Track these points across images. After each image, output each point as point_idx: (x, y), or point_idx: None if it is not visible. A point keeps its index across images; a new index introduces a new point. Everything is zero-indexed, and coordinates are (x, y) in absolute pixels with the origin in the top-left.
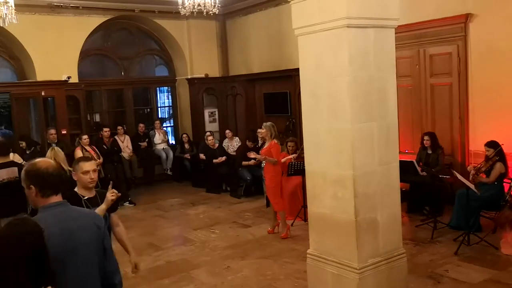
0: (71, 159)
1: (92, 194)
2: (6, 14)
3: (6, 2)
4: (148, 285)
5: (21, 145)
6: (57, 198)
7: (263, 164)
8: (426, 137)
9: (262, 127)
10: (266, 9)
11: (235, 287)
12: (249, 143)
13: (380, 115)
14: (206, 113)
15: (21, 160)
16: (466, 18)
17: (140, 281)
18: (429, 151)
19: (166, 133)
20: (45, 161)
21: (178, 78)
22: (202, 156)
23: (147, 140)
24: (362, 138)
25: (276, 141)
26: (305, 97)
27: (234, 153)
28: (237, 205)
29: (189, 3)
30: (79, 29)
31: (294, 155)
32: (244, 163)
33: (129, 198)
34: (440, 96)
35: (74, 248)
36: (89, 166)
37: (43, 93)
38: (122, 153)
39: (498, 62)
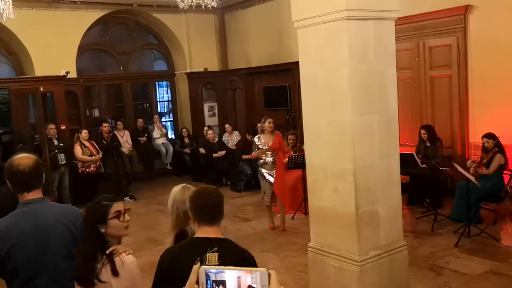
0: (70, 155)
1: None
2: (3, 9)
3: None
4: (150, 280)
5: None
6: (33, 195)
7: (271, 159)
8: (422, 131)
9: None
10: (265, 2)
11: None
12: (249, 137)
13: (380, 108)
14: (206, 107)
15: None
16: (466, 9)
17: (142, 276)
18: (428, 144)
19: (164, 127)
20: (21, 158)
21: (177, 73)
22: (202, 150)
23: (146, 135)
24: (363, 130)
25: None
26: (305, 90)
27: (234, 147)
28: (238, 199)
29: None
30: (77, 24)
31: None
32: (244, 157)
33: (129, 193)
34: (439, 88)
35: (45, 247)
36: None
37: (41, 89)
38: (121, 148)
39: (498, 54)
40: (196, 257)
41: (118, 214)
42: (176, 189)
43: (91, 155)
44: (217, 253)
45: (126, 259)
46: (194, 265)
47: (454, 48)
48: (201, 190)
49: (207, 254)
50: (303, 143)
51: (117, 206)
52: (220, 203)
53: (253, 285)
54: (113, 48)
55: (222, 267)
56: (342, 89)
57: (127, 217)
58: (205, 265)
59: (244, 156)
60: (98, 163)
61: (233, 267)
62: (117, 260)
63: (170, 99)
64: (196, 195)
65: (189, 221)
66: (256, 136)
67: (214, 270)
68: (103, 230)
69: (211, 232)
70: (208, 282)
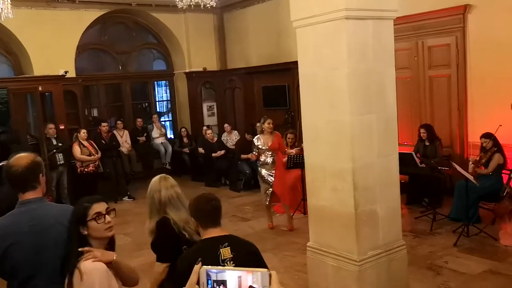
0: (69, 155)
1: None
2: (2, 9)
3: None
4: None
5: None
6: (29, 195)
7: (270, 160)
8: (422, 130)
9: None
10: (264, 2)
11: None
12: (248, 137)
13: (379, 107)
14: (205, 107)
15: None
16: (465, 9)
17: (141, 276)
18: (427, 143)
19: (163, 126)
20: (17, 158)
21: (176, 72)
22: (201, 150)
23: (145, 134)
24: (361, 130)
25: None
26: (304, 90)
27: (233, 147)
28: (237, 198)
29: None
30: (75, 23)
31: (296, 149)
32: (243, 156)
33: (128, 193)
34: (438, 87)
35: (44, 247)
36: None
37: (40, 88)
38: (120, 147)
39: (496, 53)
40: (211, 256)
41: (97, 216)
42: (154, 179)
43: (89, 155)
44: (229, 247)
45: (89, 267)
46: (195, 265)
47: (453, 47)
48: (200, 199)
49: (221, 250)
50: (302, 142)
51: (97, 207)
52: (219, 207)
53: (254, 285)
54: (112, 47)
55: (222, 267)
56: (340, 89)
57: (108, 218)
58: (221, 259)
59: (243, 156)
60: (97, 163)
61: (233, 267)
62: (76, 273)
63: (169, 98)
64: (196, 203)
65: (166, 208)
66: (256, 137)
67: (215, 270)
68: (85, 232)
69: (217, 232)
70: (209, 282)
